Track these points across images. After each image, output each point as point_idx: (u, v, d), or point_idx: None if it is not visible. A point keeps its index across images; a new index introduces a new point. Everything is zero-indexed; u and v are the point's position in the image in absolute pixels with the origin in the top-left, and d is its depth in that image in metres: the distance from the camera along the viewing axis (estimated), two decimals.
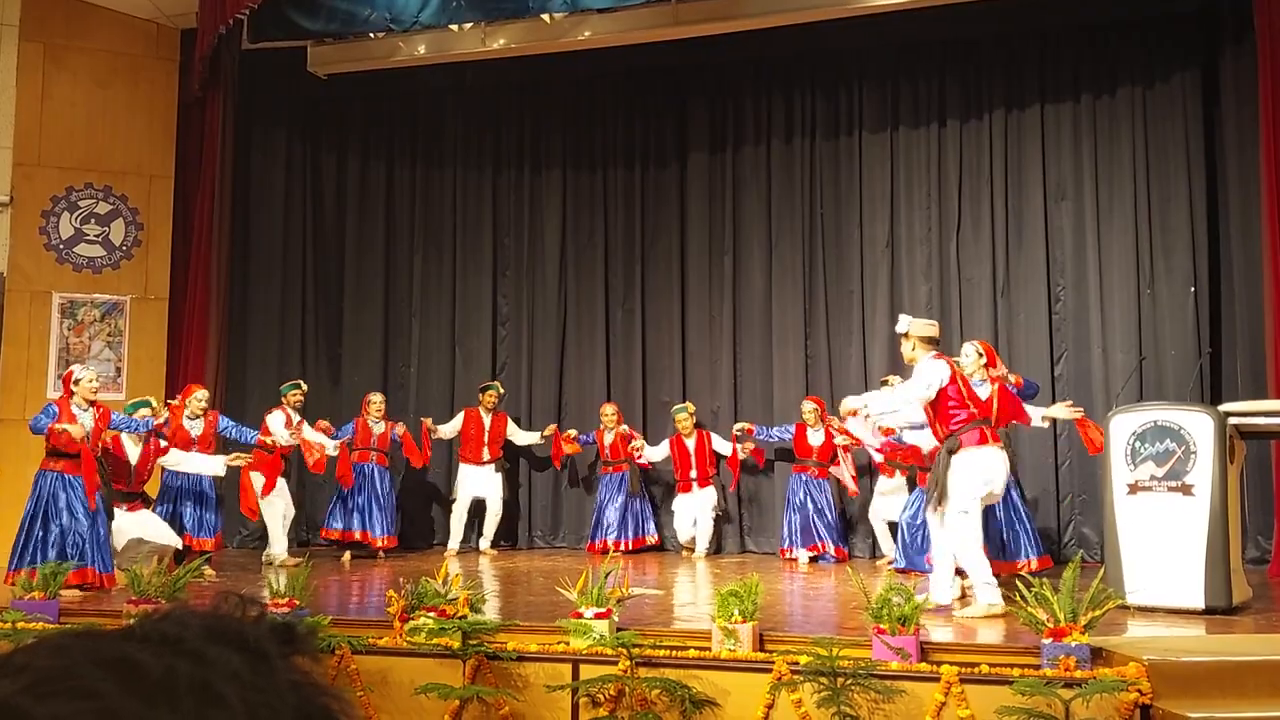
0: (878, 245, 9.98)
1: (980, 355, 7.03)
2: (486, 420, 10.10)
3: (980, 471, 6.15)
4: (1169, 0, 9.30)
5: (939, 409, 6.31)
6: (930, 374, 6.29)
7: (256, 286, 10.79)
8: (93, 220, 10.16)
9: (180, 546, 8.00)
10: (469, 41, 9.53)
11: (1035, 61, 9.70)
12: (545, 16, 9.03)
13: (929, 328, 6.60)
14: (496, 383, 10.33)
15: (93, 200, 10.18)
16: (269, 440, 8.80)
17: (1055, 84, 9.63)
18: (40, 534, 7.19)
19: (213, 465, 8.38)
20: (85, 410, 7.41)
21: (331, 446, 9.13)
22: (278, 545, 8.98)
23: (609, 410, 10.14)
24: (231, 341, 10.35)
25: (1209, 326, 9.02)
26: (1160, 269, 9.23)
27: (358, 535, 9.39)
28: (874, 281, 9.95)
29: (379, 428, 9.75)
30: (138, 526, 7.84)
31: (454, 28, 9.40)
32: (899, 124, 10.04)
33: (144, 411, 7.99)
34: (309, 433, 9.15)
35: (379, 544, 9.42)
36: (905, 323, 6.60)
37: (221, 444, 8.84)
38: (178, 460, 8.28)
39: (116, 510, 7.66)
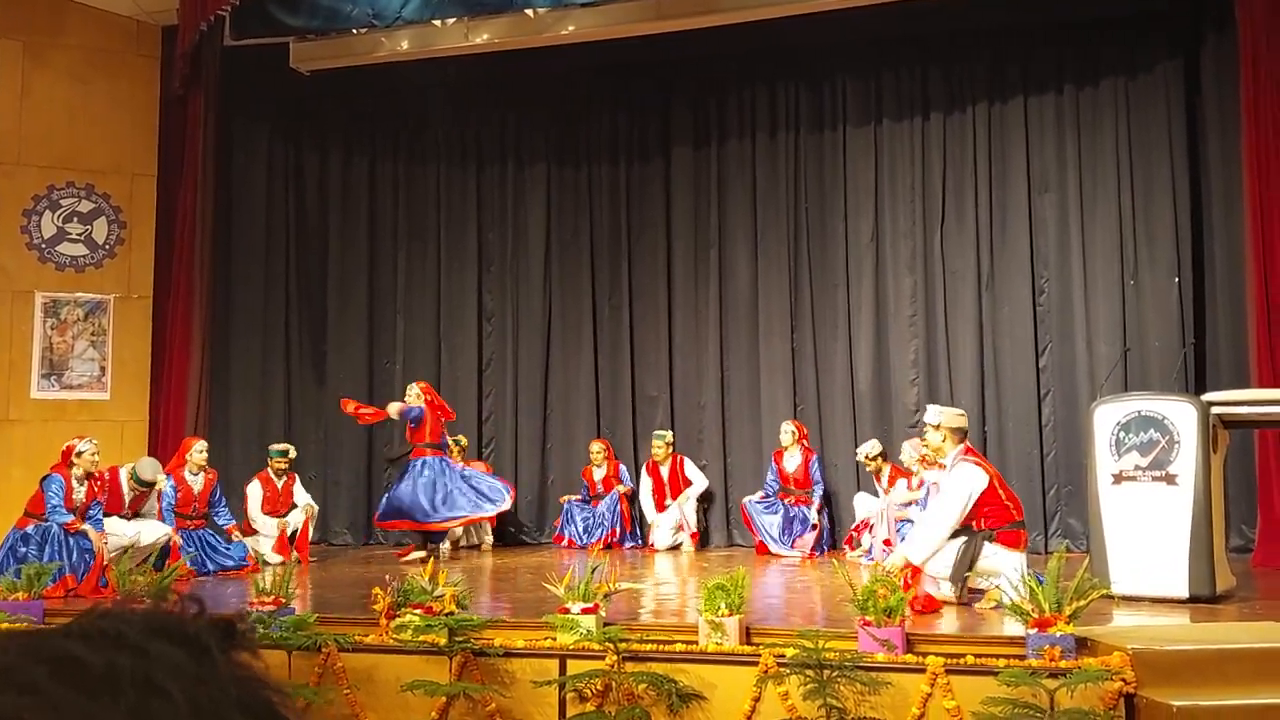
0: (862, 239, 9.98)
1: (926, 447, 6.59)
2: None
3: (997, 565, 6.05)
4: None
5: (973, 513, 6.17)
6: (962, 488, 6.13)
7: (240, 284, 10.75)
8: (75, 219, 10.10)
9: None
10: (452, 37, 9.50)
11: (1017, 54, 9.70)
12: (528, 11, 9.02)
13: (959, 419, 6.46)
14: (461, 436, 10.12)
15: (74, 199, 10.12)
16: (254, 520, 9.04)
17: (1038, 76, 9.63)
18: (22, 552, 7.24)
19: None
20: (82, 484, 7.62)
21: (313, 512, 9.40)
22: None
23: (597, 447, 10.08)
24: (215, 339, 10.30)
25: (1192, 316, 9.05)
26: (1144, 259, 9.24)
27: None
28: (859, 275, 9.96)
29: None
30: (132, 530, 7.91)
31: (437, 23, 9.37)
32: (882, 118, 10.04)
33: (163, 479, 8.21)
34: (300, 495, 9.39)
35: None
36: (936, 414, 6.39)
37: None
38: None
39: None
